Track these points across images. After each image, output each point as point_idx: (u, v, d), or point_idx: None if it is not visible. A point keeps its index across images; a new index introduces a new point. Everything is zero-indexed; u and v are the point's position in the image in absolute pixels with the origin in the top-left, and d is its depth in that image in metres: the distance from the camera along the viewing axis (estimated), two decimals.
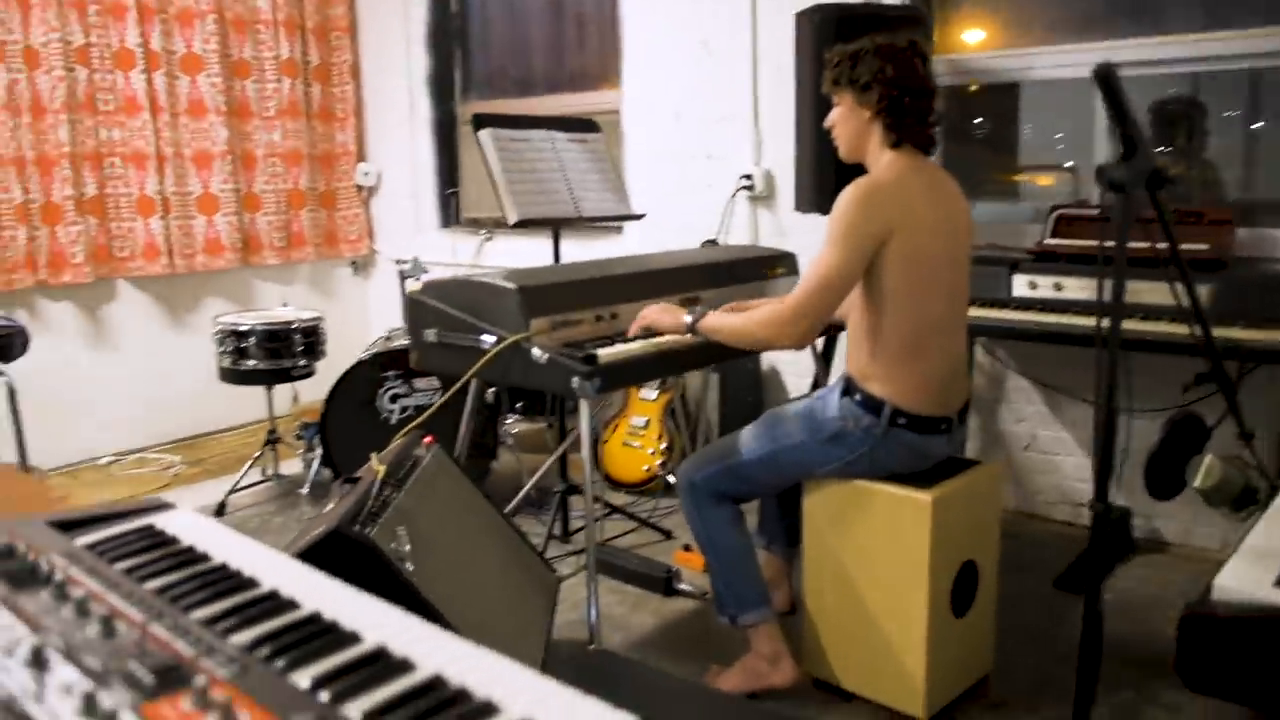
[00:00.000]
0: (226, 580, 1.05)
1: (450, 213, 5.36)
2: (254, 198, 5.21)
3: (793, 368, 4.15)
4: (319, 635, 0.92)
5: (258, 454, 4.17)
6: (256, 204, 5.22)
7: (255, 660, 0.85)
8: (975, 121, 3.87)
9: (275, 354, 3.84)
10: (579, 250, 4.59)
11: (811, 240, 3.86)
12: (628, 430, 4.05)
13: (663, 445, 3.96)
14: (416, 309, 2.67)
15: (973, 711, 2.38)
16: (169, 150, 4.82)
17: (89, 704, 0.75)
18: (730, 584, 2.46)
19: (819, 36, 3.16)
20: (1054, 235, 3.20)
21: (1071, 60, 3.47)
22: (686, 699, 1.62)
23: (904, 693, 2.32)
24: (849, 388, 2.32)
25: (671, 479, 3.89)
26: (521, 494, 3.38)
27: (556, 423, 3.71)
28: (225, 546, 1.14)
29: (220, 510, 3.82)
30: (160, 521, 1.24)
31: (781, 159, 4.05)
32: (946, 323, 2.30)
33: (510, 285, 2.47)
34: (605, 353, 2.36)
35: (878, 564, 2.34)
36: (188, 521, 1.24)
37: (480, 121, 3.12)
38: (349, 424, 3.73)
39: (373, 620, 0.94)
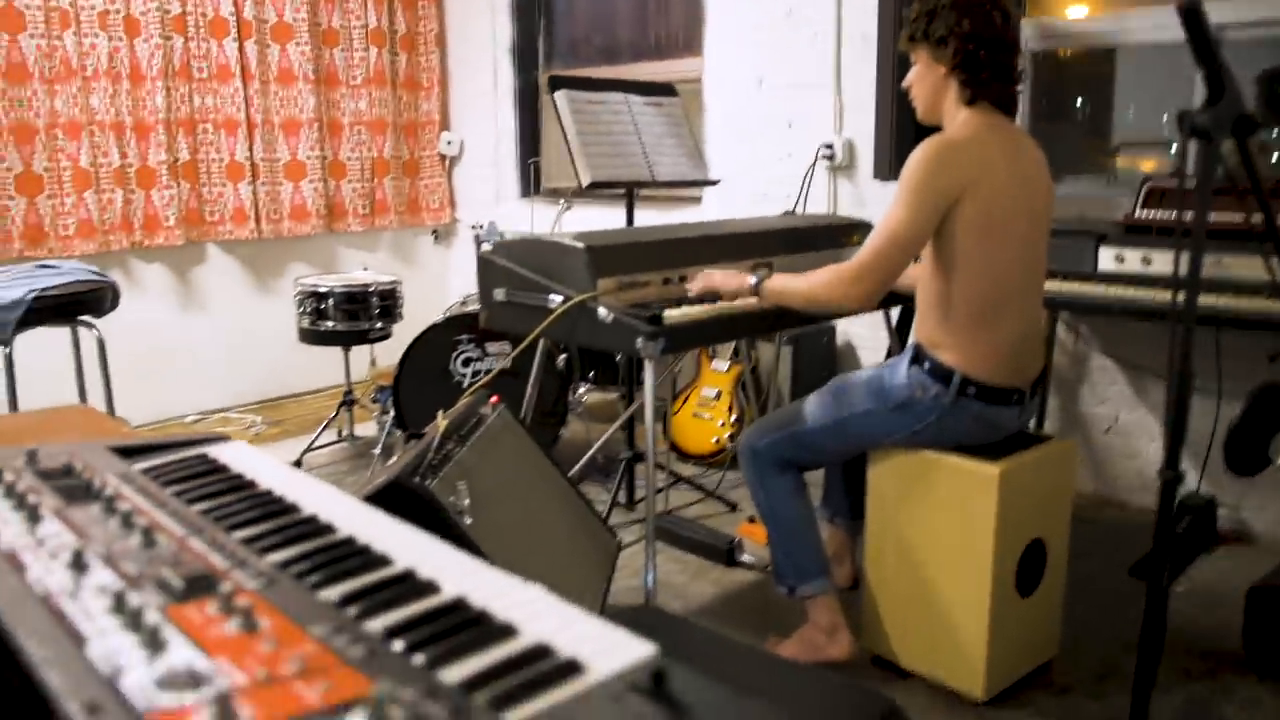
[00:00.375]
0: (270, 504, 1.07)
1: (530, 182, 5.39)
2: (339, 165, 5.31)
3: (868, 341, 4.09)
4: (351, 556, 0.93)
5: (333, 415, 4.26)
6: (342, 171, 5.32)
7: (286, 576, 0.86)
8: (1069, 92, 3.73)
9: (353, 316, 3.92)
10: (656, 219, 4.58)
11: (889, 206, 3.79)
12: (698, 401, 4.04)
13: (733, 418, 3.93)
14: (487, 269, 2.69)
15: (1035, 696, 2.32)
16: (259, 117, 4.94)
17: (118, 602, 0.77)
18: (790, 553, 2.44)
19: (902, 2, 3.08)
20: (1144, 207, 3.09)
21: (1173, 21, 3.32)
22: (736, 657, 1.61)
23: (963, 672, 2.27)
24: (918, 355, 2.27)
25: None
26: (586, 458, 3.39)
27: (627, 393, 3.71)
28: (274, 476, 1.17)
29: (295, 466, 3.93)
30: (214, 451, 1.28)
31: (863, 128, 3.98)
32: (1021, 290, 2.23)
33: (579, 245, 2.47)
34: (671, 314, 2.34)
35: (942, 538, 2.29)
36: (241, 452, 1.27)
37: (556, 83, 3.13)
38: (422, 387, 3.78)
39: (405, 545, 0.95)
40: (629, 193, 3.32)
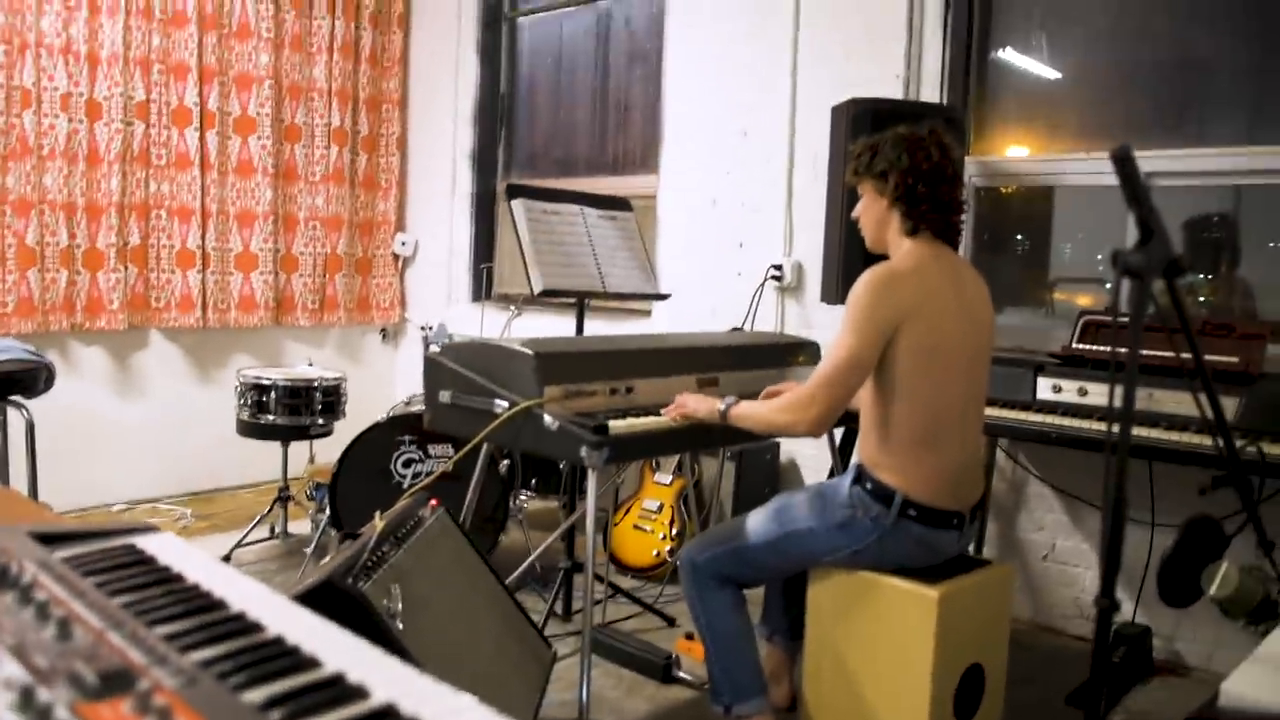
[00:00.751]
0: (196, 600, 1.04)
1: (482, 286, 5.43)
2: (292, 259, 5.31)
3: (811, 460, 4.11)
4: (278, 657, 0.90)
5: (267, 510, 4.16)
6: (294, 265, 5.32)
7: (208, 675, 0.83)
8: (1009, 228, 3.88)
9: (294, 410, 3.86)
10: (605, 329, 4.62)
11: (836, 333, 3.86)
12: (640, 513, 4.01)
13: (674, 531, 3.91)
14: (434, 370, 2.68)
15: None
16: (214, 206, 4.94)
17: (25, 698, 0.74)
18: (727, 670, 2.40)
19: (854, 130, 3.21)
20: (1080, 340, 3.18)
21: (1107, 167, 3.49)
22: None
23: None
24: (860, 475, 2.29)
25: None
26: (524, 566, 3.33)
27: (568, 501, 3.67)
28: (202, 570, 1.13)
29: (224, 562, 3.80)
30: (141, 542, 1.24)
31: (811, 250, 4.09)
32: (962, 415, 2.27)
33: (527, 351, 2.48)
34: (617, 425, 2.35)
35: (881, 659, 2.27)
36: (169, 544, 1.23)
37: (514, 191, 3.18)
38: (360, 486, 3.72)
39: (335, 647, 0.92)
40: (580, 302, 3.35)
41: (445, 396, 2.61)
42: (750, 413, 2.34)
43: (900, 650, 2.24)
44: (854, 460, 2.37)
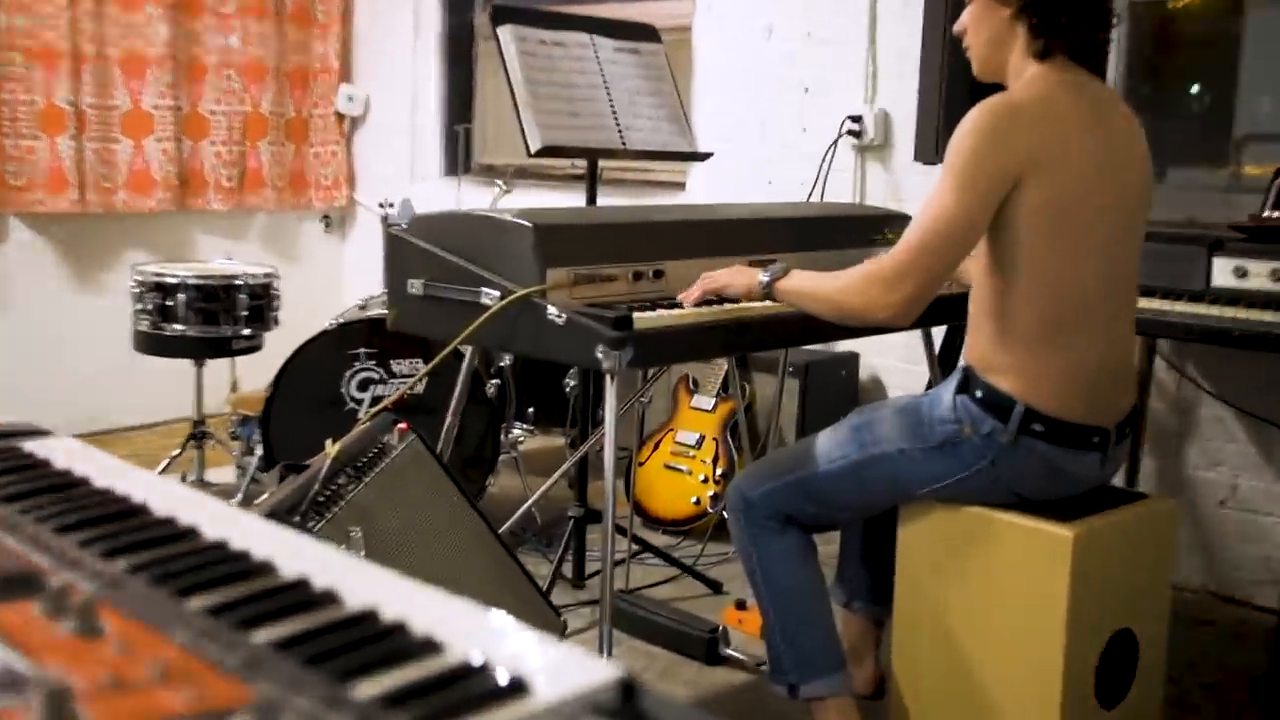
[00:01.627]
0: (111, 504, 1.10)
1: (458, 156, 5.45)
2: (199, 120, 5.35)
3: (901, 373, 4.16)
4: (221, 563, 0.95)
5: (176, 452, 4.25)
6: (202, 129, 5.35)
7: (137, 580, 0.89)
8: (1177, 59, 3.85)
9: (210, 318, 3.93)
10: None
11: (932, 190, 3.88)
12: (673, 449, 4.07)
13: (718, 472, 3.97)
14: (400, 252, 2.73)
15: None
16: (89, 48, 4.96)
17: None
18: (793, 640, 2.46)
19: None
20: (1277, 207, 3.18)
21: None
22: None
23: None
24: (968, 381, 2.33)
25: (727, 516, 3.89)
26: (519, 514, 3.41)
27: (578, 436, 3.73)
28: (113, 474, 1.19)
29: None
30: (31, 445, 1.30)
31: (902, 96, 4.08)
32: (1105, 299, 2.29)
33: (525, 223, 2.52)
34: (644, 317, 2.39)
35: (996, 626, 2.34)
36: (69, 448, 1.29)
37: (500, 15, 3.19)
38: (301, 418, 3.79)
39: (294, 553, 0.98)
40: (591, 168, 3.37)
41: (415, 286, 2.66)
42: (808, 287, 2.37)
43: (1023, 612, 2.29)
44: (960, 363, 2.41)
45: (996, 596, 2.34)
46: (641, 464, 4.10)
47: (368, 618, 0.86)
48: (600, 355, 2.31)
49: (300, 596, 0.89)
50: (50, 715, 0.65)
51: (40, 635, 0.78)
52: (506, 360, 4.09)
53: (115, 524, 1.04)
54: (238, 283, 3.97)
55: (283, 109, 5.59)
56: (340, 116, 5.76)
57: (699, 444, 4.04)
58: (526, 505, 3.44)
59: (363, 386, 3.79)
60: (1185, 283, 3.15)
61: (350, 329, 3.80)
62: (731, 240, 2.87)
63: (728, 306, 2.53)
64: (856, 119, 4.16)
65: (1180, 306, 3.09)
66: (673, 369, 4.15)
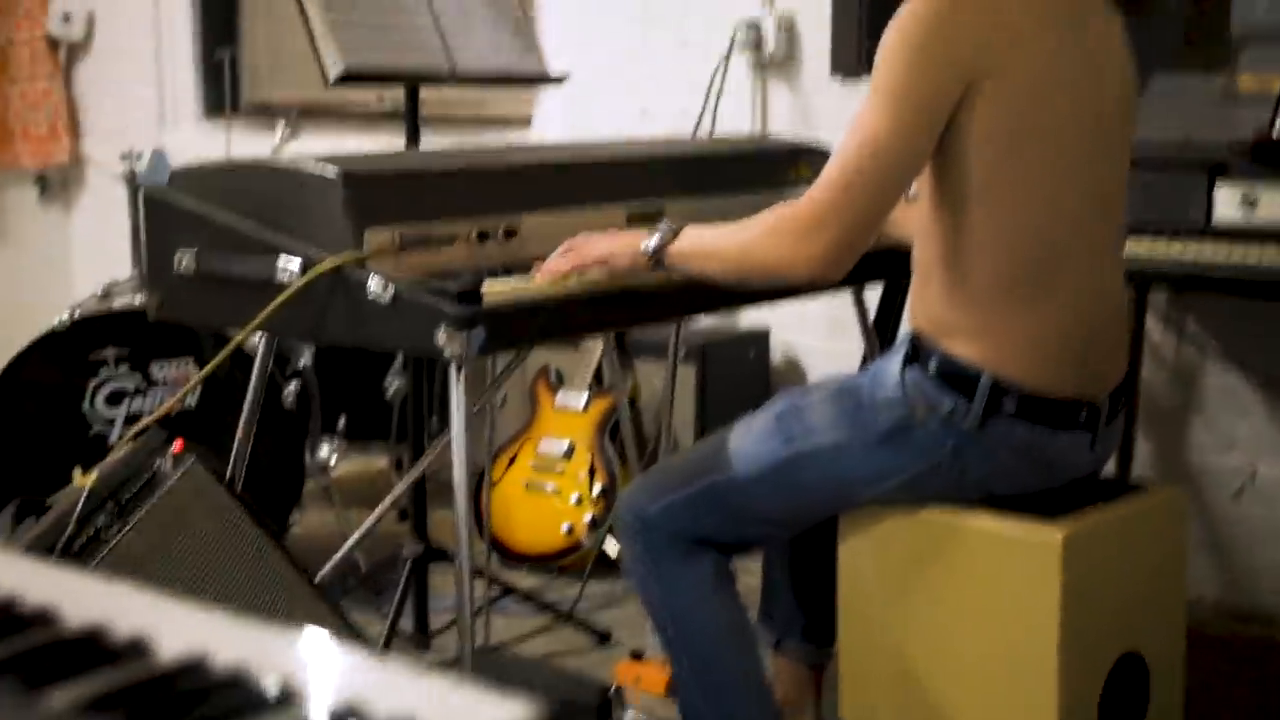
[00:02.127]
0: None
1: (223, 92, 5.41)
2: None
3: (825, 355, 4.25)
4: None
5: None
6: None
7: None
8: None
9: None
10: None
11: (858, 110, 3.96)
12: (534, 463, 4.11)
13: (596, 489, 4.02)
14: (159, 218, 2.71)
15: None
16: None
17: None
18: (714, 695, 2.53)
19: None
20: None
21: None
22: None
23: None
24: (916, 351, 2.40)
25: (610, 546, 3.95)
26: (338, 557, 3.40)
27: (410, 454, 3.75)
28: None
29: None
30: None
31: None
32: (1085, 238, 2.39)
33: (332, 172, 2.52)
34: (495, 287, 2.42)
35: (971, 657, 2.42)
36: None
37: None
38: (28, 451, 3.75)
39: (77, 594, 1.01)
40: (410, 99, 3.39)
41: (184, 262, 2.64)
42: (706, 246, 2.42)
43: (1004, 637, 2.38)
44: (904, 329, 2.49)
45: (969, 622, 2.42)
46: (494, 484, 4.12)
47: (195, 668, 0.89)
48: (441, 340, 2.33)
49: (99, 650, 0.92)
50: None
51: None
52: (306, 358, 4.09)
53: None
54: None
55: None
56: (53, 43, 5.68)
57: (568, 454, 4.08)
58: (347, 546, 3.44)
59: (114, 401, 3.76)
60: (1181, 218, 3.24)
61: (90, 326, 3.76)
62: (601, 186, 2.91)
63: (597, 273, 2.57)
64: (752, 26, 4.23)
65: (1176, 247, 3.19)
66: (528, 360, 4.18)
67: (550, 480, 4.08)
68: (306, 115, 5.09)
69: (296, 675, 0.87)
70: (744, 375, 4.22)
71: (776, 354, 4.35)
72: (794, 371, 4.31)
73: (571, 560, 4.02)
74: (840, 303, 4.08)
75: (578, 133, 4.56)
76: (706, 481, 2.53)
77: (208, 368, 2.67)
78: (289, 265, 2.50)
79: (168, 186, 2.72)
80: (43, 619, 0.96)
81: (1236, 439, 3.77)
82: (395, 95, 5.05)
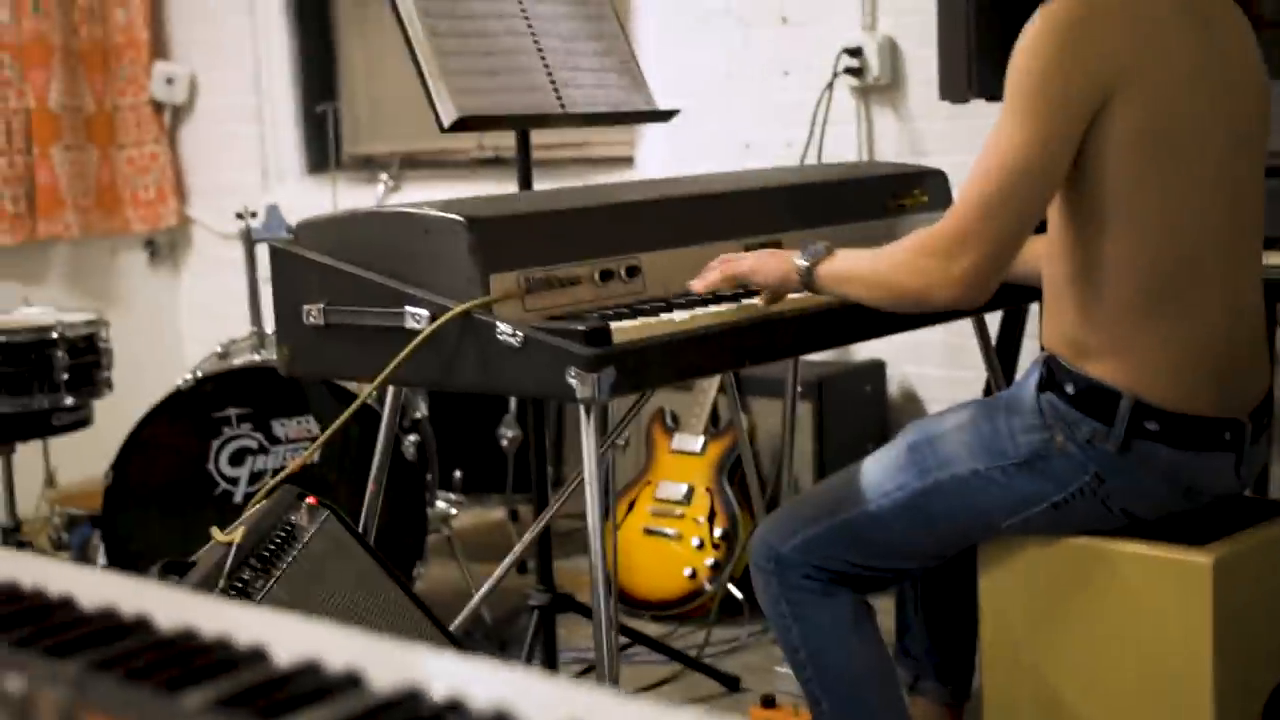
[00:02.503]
0: (22, 598, 1.14)
1: (329, 146, 5.47)
2: None
3: (945, 384, 4.23)
4: (201, 651, 1.00)
5: None
6: None
7: (107, 679, 0.93)
8: None
9: (19, 385, 3.92)
10: None
11: (968, 159, 3.94)
12: (653, 507, 4.11)
13: (717, 533, 4.02)
14: (288, 270, 2.74)
15: None
16: None
17: None
18: None
19: None
20: None
21: None
22: None
23: None
24: (1052, 375, 2.39)
25: (734, 589, 3.94)
26: (469, 610, 3.42)
27: (534, 503, 3.75)
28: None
29: None
30: None
31: (912, 19, 4.17)
32: (1226, 250, 2.37)
33: (456, 218, 2.54)
34: (624, 326, 2.43)
35: (1119, 689, 2.40)
36: None
37: None
38: (156, 512, 3.80)
39: (285, 634, 1.03)
40: (522, 142, 3.42)
41: (312, 315, 2.67)
42: (854, 269, 2.42)
43: (1154, 666, 2.35)
44: (1039, 354, 2.48)
45: (1118, 650, 2.40)
46: (615, 528, 4.14)
47: (411, 698, 0.91)
48: (573, 381, 2.34)
49: (315, 682, 0.94)
50: None
51: None
52: (422, 410, 4.12)
53: (44, 619, 1.09)
54: (53, 336, 3.97)
55: (78, 101, 5.59)
56: (158, 106, 5.78)
57: (687, 498, 4.08)
58: (479, 598, 3.46)
59: (237, 460, 3.80)
60: None
61: (213, 385, 3.81)
62: (720, 220, 2.91)
63: (740, 304, 2.58)
64: (854, 52, 4.24)
65: None
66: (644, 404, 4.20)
67: (670, 525, 4.09)
68: (408, 165, 5.15)
69: (510, 704, 0.88)
70: (861, 409, 4.22)
71: (893, 385, 4.34)
72: (911, 403, 4.30)
73: (694, 606, 4.02)
74: (956, 331, 4.08)
75: (681, 169, 4.57)
76: (841, 517, 2.53)
77: (342, 417, 2.68)
78: (418, 313, 2.53)
79: (293, 240, 2.76)
80: (257, 656, 0.98)
81: None
82: (495, 142, 5.15)
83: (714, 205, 2.97)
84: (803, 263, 2.45)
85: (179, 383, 3.86)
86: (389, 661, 0.96)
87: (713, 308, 2.58)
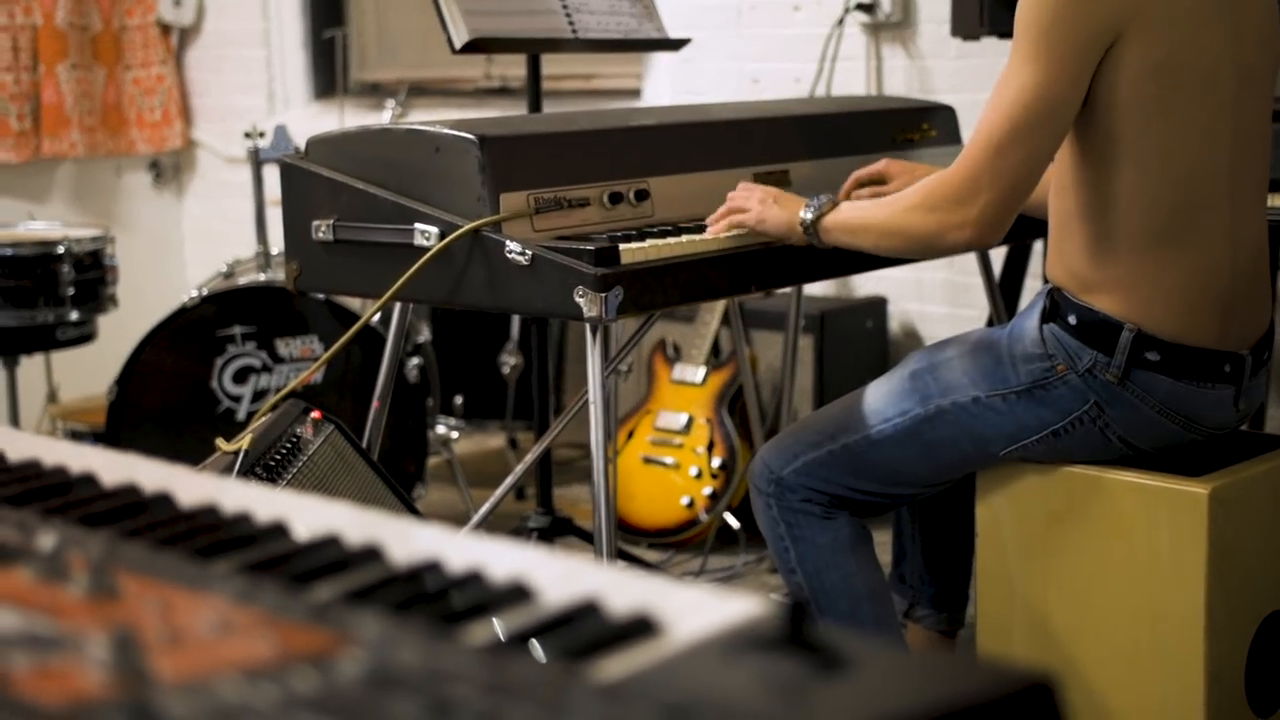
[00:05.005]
0: (47, 474, 1.17)
1: (336, 72, 5.48)
2: None
3: (946, 321, 4.25)
4: (220, 527, 1.03)
5: None
6: None
7: (133, 547, 0.95)
8: None
9: (24, 299, 3.94)
10: None
11: (978, 97, 3.96)
12: (652, 436, 4.14)
13: (715, 463, 4.04)
14: (297, 186, 2.76)
15: None
16: None
17: None
18: None
19: None
20: None
21: None
22: None
23: None
24: (1056, 307, 2.42)
25: (731, 518, 3.98)
26: (468, 529, 3.47)
27: (534, 430, 3.77)
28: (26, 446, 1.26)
29: None
30: None
31: None
32: (1233, 185, 2.39)
33: (468, 136, 2.56)
34: (632, 248, 2.45)
35: (1114, 619, 2.43)
36: None
37: None
38: (159, 428, 3.83)
39: (305, 513, 1.05)
40: (533, 67, 3.43)
41: (322, 230, 2.69)
42: (863, 219, 2.44)
43: (1148, 596, 2.38)
44: (1043, 286, 2.50)
45: (1113, 579, 2.42)
46: (612, 459, 4.16)
47: (431, 569, 0.93)
48: (580, 300, 2.37)
49: (337, 554, 0.97)
50: (122, 665, 0.72)
51: (46, 598, 0.84)
52: (425, 334, 4.15)
53: (67, 494, 1.12)
54: (59, 250, 3.98)
55: (85, 21, 5.58)
56: (165, 28, 5.77)
57: (687, 428, 4.11)
58: (477, 519, 3.48)
59: (240, 378, 3.83)
60: None
61: (220, 303, 3.84)
62: (729, 148, 2.93)
63: (739, 233, 2.60)
64: None
65: None
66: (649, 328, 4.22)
67: (669, 454, 4.11)
68: (415, 93, 5.15)
69: (526, 575, 0.91)
70: (861, 344, 4.24)
71: (894, 322, 4.36)
72: (912, 339, 4.32)
73: (691, 535, 4.05)
74: (958, 269, 4.11)
75: (688, 103, 4.59)
76: (841, 442, 2.56)
77: (351, 331, 2.70)
78: (427, 230, 2.55)
79: (306, 153, 2.77)
80: (279, 531, 1.01)
81: None
82: (503, 71, 5.16)
83: (724, 133, 2.99)
84: (807, 216, 2.48)
85: (184, 301, 3.88)
86: (407, 537, 0.99)
87: (718, 236, 2.60)
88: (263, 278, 3.97)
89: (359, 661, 0.73)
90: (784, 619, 0.78)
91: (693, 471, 4.06)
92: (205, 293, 3.92)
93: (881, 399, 2.56)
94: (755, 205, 2.57)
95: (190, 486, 1.13)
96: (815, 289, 4.23)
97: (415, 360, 3.95)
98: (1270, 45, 2.45)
